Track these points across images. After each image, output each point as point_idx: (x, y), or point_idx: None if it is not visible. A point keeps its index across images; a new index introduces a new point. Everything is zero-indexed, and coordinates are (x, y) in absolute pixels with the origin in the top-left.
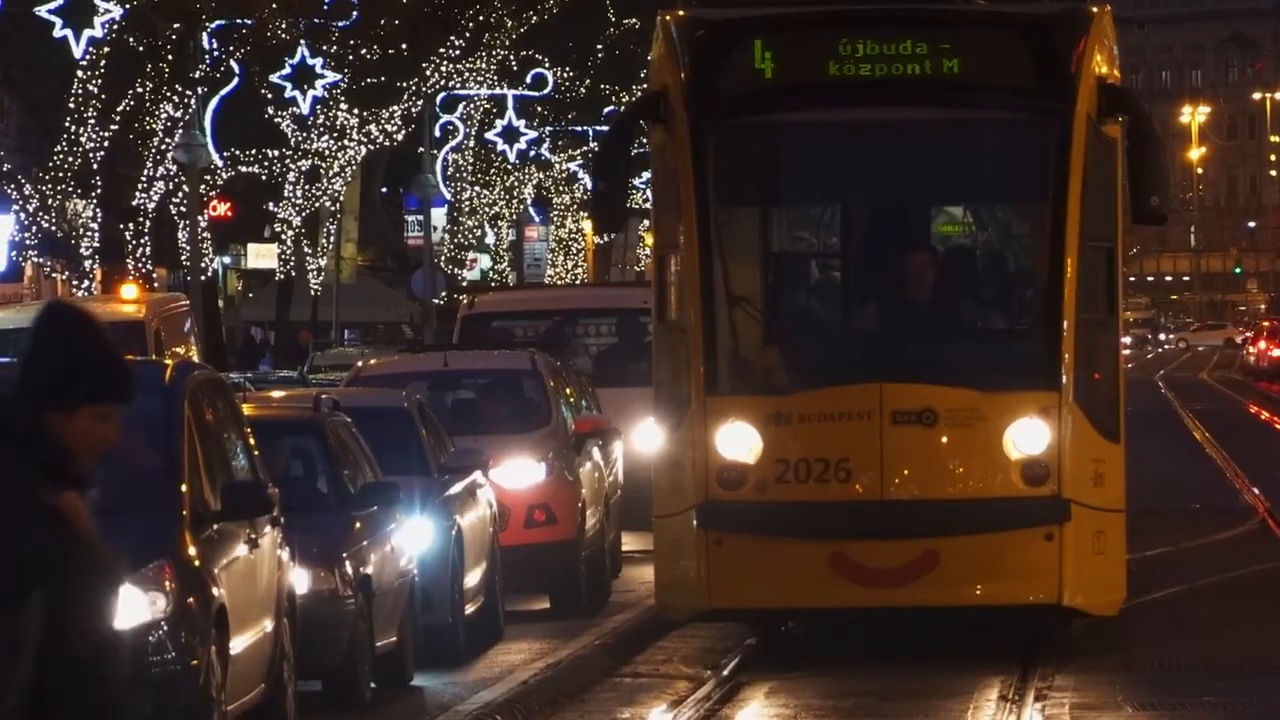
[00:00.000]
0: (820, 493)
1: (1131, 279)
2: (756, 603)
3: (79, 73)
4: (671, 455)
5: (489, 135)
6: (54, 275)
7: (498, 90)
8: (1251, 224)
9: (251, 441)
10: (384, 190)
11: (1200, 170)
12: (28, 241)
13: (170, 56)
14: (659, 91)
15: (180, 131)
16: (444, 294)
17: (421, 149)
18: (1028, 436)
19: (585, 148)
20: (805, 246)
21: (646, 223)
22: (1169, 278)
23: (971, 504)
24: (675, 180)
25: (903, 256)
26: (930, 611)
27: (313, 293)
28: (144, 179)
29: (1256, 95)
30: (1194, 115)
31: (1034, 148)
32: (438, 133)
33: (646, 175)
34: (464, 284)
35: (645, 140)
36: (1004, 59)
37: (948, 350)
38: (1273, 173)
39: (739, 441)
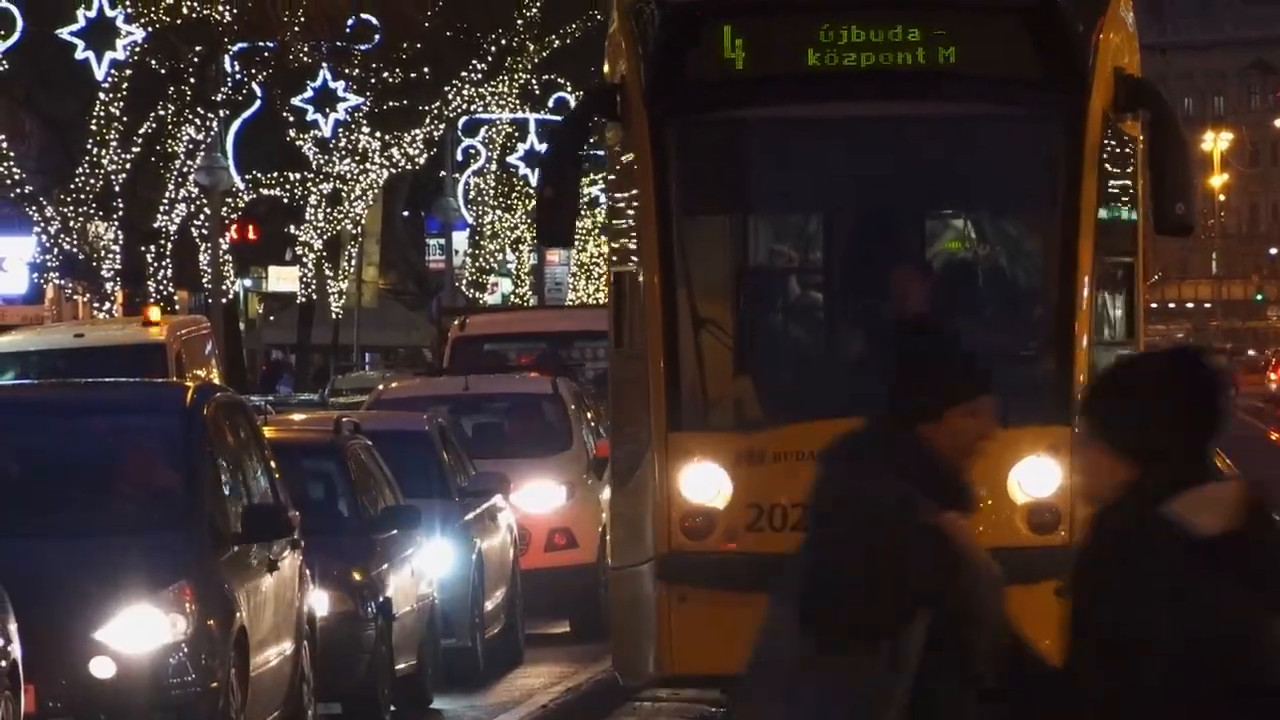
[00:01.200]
0: (798, 542)
1: (1153, 305)
2: (724, 668)
3: (101, 95)
4: (629, 500)
5: (511, 159)
6: (75, 297)
7: (520, 114)
8: (1273, 250)
9: (272, 464)
10: (405, 213)
11: (1222, 197)
12: (49, 263)
13: (192, 79)
14: (615, 84)
15: (202, 154)
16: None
17: (443, 173)
18: (1035, 477)
19: (604, 172)
20: (783, 261)
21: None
22: (1190, 304)
23: None
24: (633, 186)
25: (893, 273)
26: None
27: (334, 316)
28: (165, 201)
29: (1278, 122)
30: (1216, 142)
31: (1042, 147)
32: (460, 156)
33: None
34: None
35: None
36: (1007, 46)
37: None
38: None
39: (706, 484)
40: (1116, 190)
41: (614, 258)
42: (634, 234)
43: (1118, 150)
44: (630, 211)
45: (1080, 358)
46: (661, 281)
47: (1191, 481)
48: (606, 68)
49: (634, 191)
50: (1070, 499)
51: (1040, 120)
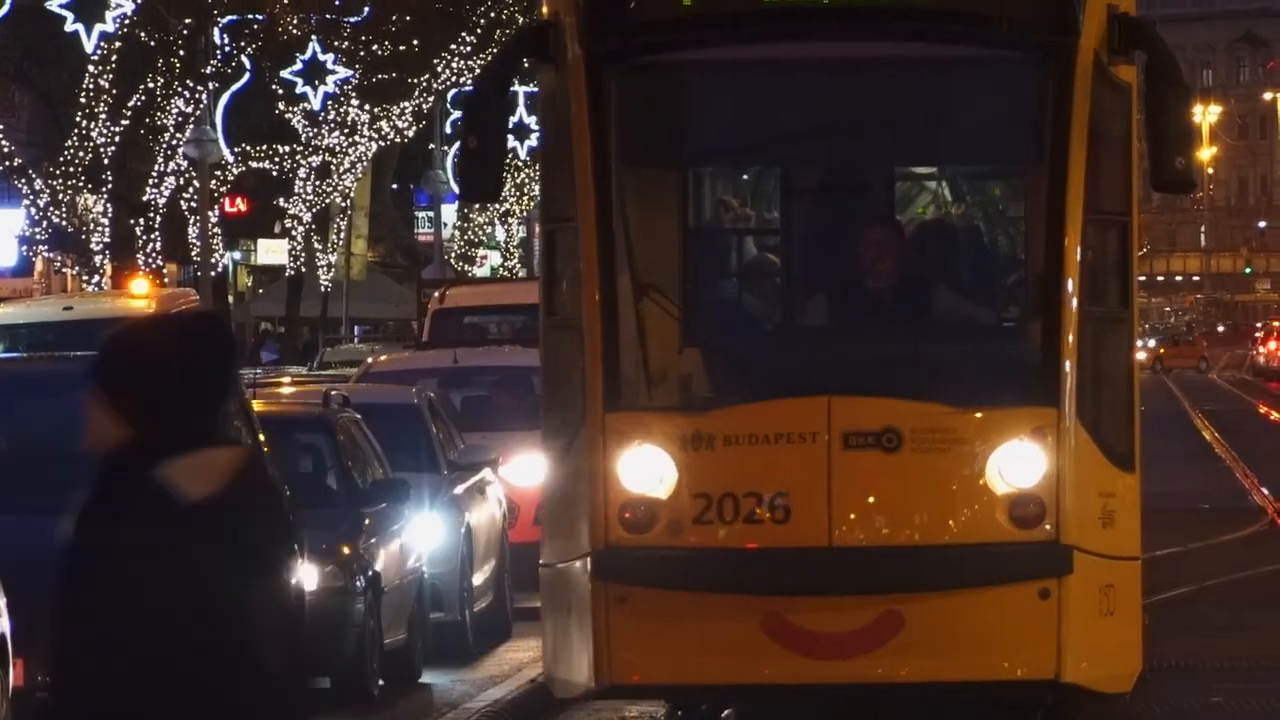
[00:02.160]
0: (751, 537)
1: (1142, 278)
2: (669, 677)
3: (90, 67)
4: (562, 488)
5: None
6: (64, 270)
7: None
8: (1262, 224)
9: (261, 437)
10: (395, 186)
11: (1211, 170)
12: (38, 236)
13: (181, 51)
14: (548, 22)
15: (191, 127)
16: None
17: (432, 145)
18: (1018, 464)
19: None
20: (735, 221)
21: None
22: (1179, 277)
23: (945, 552)
24: (567, 135)
25: (859, 234)
26: (892, 690)
27: (323, 289)
28: (155, 174)
29: (1268, 95)
30: (1205, 115)
31: (1026, 94)
32: (448, 129)
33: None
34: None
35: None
36: None
37: (916, 354)
38: None
39: (648, 471)
40: (1108, 142)
41: (547, 214)
42: (569, 189)
43: (1110, 98)
44: (564, 163)
45: (1068, 329)
46: (598, 241)
47: (189, 446)
48: (540, 2)
49: (568, 141)
50: (1057, 488)
51: (1024, 63)
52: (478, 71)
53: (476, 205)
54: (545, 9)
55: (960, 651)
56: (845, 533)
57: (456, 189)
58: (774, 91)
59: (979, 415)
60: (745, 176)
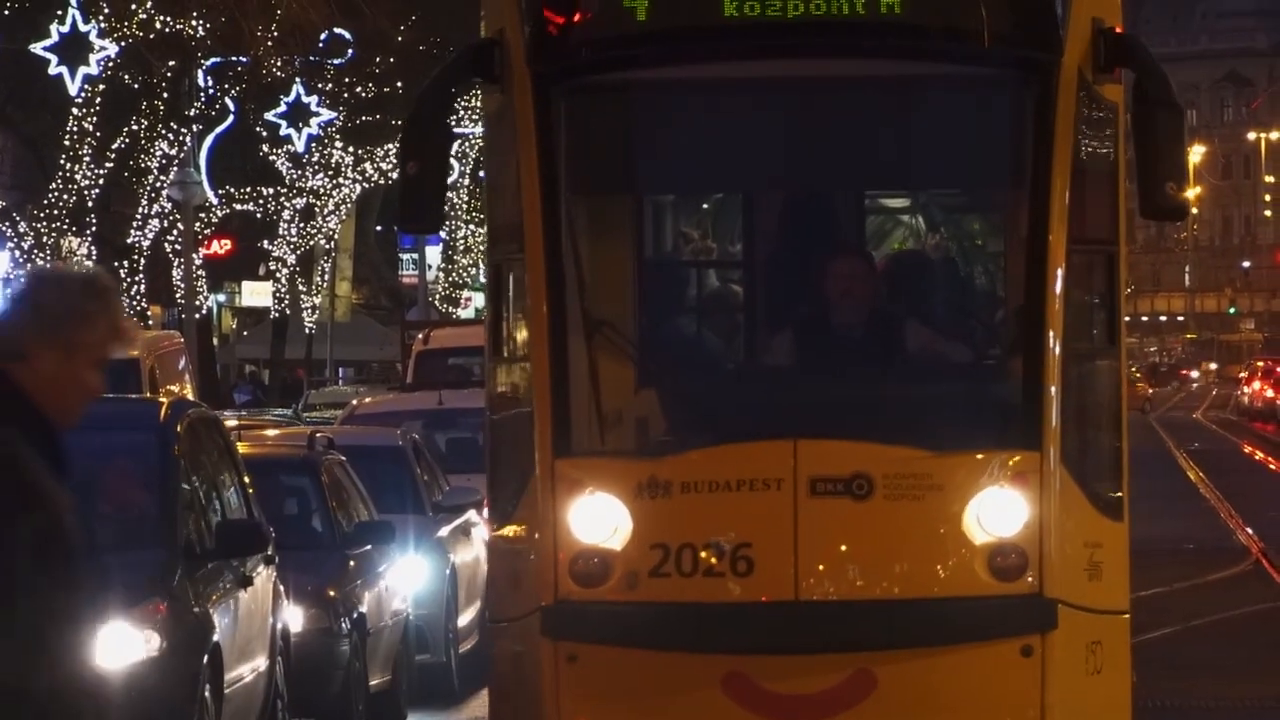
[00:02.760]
0: (711, 591)
1: (1126, 318)
2: None
3: (74, 110)
4: (509, 540)
5: (483, 173)
6: None
7: None
8: (1246, 264)
9: (246, 480)
10: (379, 228)
11: (1195, 210)
12: (22, 279)
13: (165, 94)
14: (492, 39)
15: (175, 169)
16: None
17: None
18: (998, 512)
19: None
20: (695, 252)
21: None
22: (1163, 317)
23: (920, 606)
24: (514, 161)
25: (827, 267)
26: None
27: (307, 330)
28: (139, 216)
29: (1251, 135)
30: (1189, 155)
31: (1005, 115)
32: None
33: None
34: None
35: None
36: None
37: (888, 395)
38: (1267, 213)
39: (601, 520)
40: (1094, 167)
41: (493, 246)
42: (516, 218)
43: (1096, 119)
44: (511, 191)
45: (1051, 368)
46: (547, 274)
47: None
48: (484, 18)
49: (515, 167)
50: (1040, 538)
51: (1002, 82)
52: (418, 92)
53: (460, 247)
54: (489, 25)
55: (937, 713)
56: (813, 586)
57: (398, 220)
58: (735, 113)
59: (956, 460)
60: (705, 205)
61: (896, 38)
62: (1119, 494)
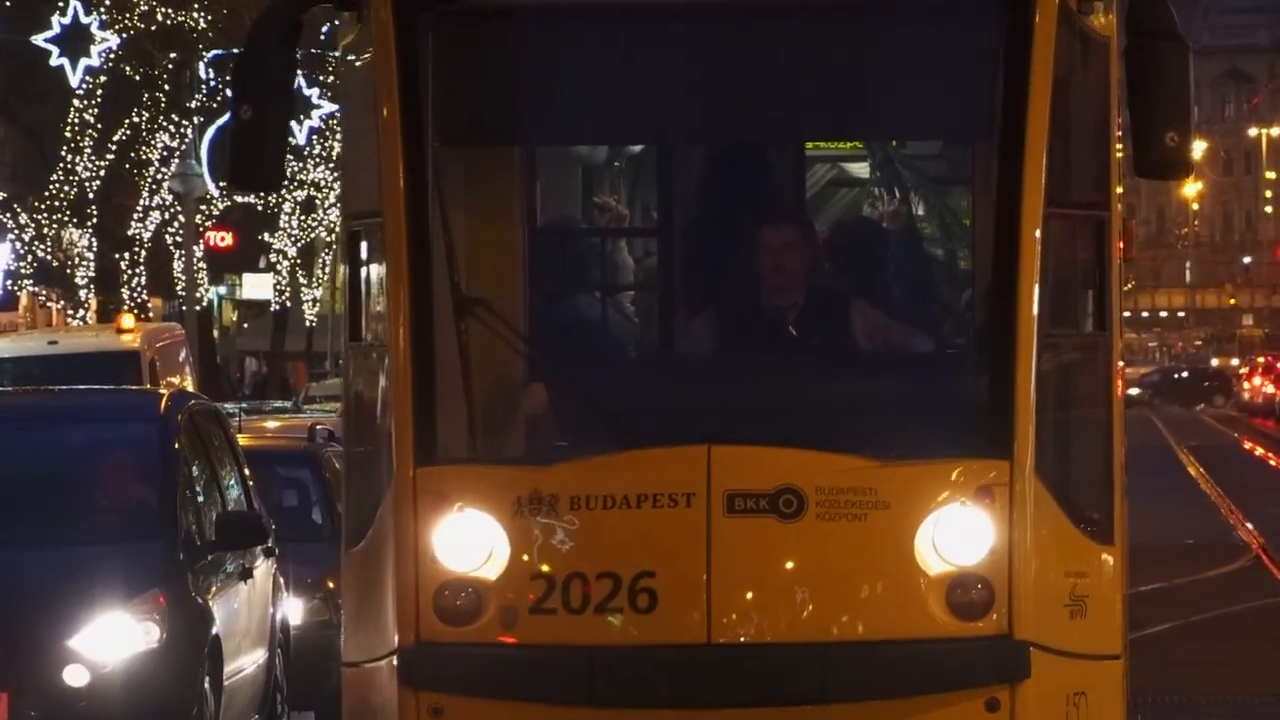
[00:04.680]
0: (605, 631)
1: (1126, 314)
2: None
3: (75, 101)
4: (363, 566)
5: None
6: (49, 304)
7: None
8: (1247, 259)
9: (247, 471)
10: None
11: (1196, 206)
12: (23, 270)
13: (167, 86)
14: None
15: (176, 161)
16: None
17: None
18: (957, 535)
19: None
20: (594, 215)
21: None
22: (1164, 313)
23: (862, 651)
24: (373, 105)
25: (756, 236)
26: None
27: (308, 323)
28: (140, 208)
29: (1253, 131)
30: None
31: (969, 50)
32: None
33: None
34: None
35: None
36: None
37: (826, 390)
38: (1268, 209)
39: (471, 543)
40: (1079, 113)
41: (348, 209)
42: (375, 176)
43: (1081, 55)
44: (369, 142)
45: (1025, 358)
46: (410, 243)
47: None
48: None
49: (373, 114)
50: (1010, 567)
51: (965, 8)
52: (254, 21)
53: None
54: None
55: None
56: (729, 626)
57: (227, 176)
58: (642, 48)
59: (907, 470)
60: (609, 160)
61: None
62: (1109, 510)
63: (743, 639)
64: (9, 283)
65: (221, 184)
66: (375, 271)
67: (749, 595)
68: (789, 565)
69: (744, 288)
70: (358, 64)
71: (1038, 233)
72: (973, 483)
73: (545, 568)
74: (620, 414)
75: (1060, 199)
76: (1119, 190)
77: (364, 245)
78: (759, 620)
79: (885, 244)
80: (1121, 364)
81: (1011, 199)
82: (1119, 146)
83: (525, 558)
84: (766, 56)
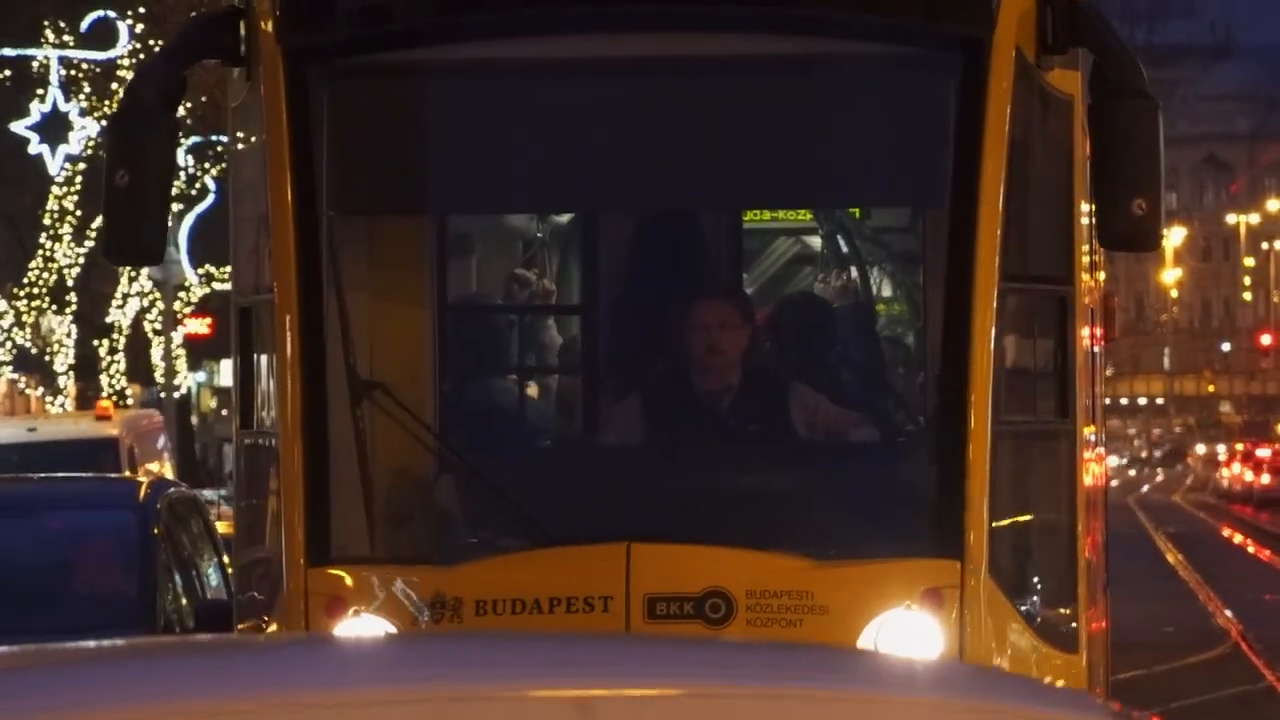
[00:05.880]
0: None
1: (1106, 401)
2: None
3: (54, 189)
4: None
5: None
6: (28, 391)
7: None
8: (1225, 346)
9: (225, 559)
10: None
11: (1175, 293)
12: (2, 357)
13: None
14: (236, 6)
15: None
16: None
17: None
18: (903, 643)
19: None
20: (507, 292)
21: None
22: (1142, 400)
23: None
24: (263, 170)
25: (686, 312)
26: None
27: None
28: (119, 295)
29: (1231, 218)
30: (1169, 237)
31: (917, 110)
32: None
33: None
34: None
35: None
36: None
37: (759, 483)
38: (1246, 295)
39: None
40: (1038, 179)
41: (239, 284)
42: (265, 247)
43: (1041, 115)
44: (259, 210)
45: (978, 448)
46: (302, 321)
47: None
48: None
49: (265, 179)
50: None
51: (914, 66)
52: (133, 77)
53: None
54: None
55: None
56: None
57: (104, 249)
58: (562, 108)
59: (847, 571)
60: (524, 229)
61: (774, 7)
62: (1073, 614)
63: None
64: None
65: (200, 271)
66: (266, 353)
67: None
68: None
69: (673, 370)
70: (246, 122)
71: (992, 309)
72: (920, 585)
73: None
74: (532, 508)
75: (1018, 273)
76: (1085, 263)
77: (254, 324)
78: None
79: (828, 322)
80: (1101, 451)
81: (963, 272)
82: (1085, 216)
83: None
84: (698, 117)
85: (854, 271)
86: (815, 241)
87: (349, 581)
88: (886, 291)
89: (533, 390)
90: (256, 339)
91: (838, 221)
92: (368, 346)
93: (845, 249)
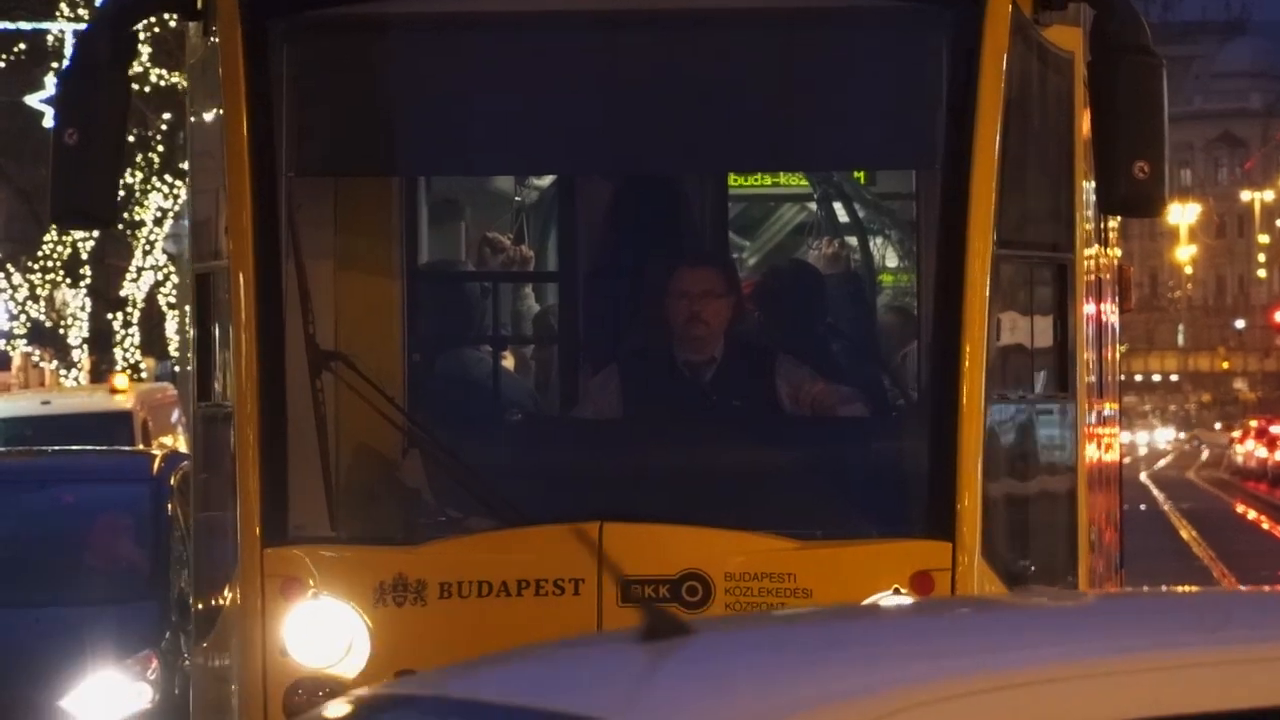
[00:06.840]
0: None
1: (1120, 377)
2: None
3: None
4: (208, 659)
5: None
6: (42, 364)
7: None
8: (1240, 323)
9: None
10: None
11: (1189, 270)
12: (16, 330)
13: (160, 147)
14: None
15: (170, 222)
16: None
17: None
18: None
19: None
20: (478, 258)
21: None
22: (1156, 377)
23: None
24: (220, 129)
25: (667, 279)
26: None
27: None
28: (133, 269)
29: (1245, 195)
30: (1183, 214)
31: (907, 67)
32: None
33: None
34: None
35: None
36: None
37: (740, 459)
38: (1260, 272)
39: (327, 634)
40: (1036, 140)
41: (196, 250)
42: (222, 209)
43: (1038, 74)
44: (216, 173)
45: (969, 423)
46: (258, 289)
47: None
48: None
49: (222, 139)
50: None
51: (904, 21)
52: (81, 32)
53: None
54: None
55: None
56: None
57: (51, 211)
58: (535, 63)
59: (832, 552)
60: (495, 191)
61: None
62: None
63: None
64: (2, 343)
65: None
66: (222, 321)
67: None
68: None
69: (653, 341)
70: (202, 81)
71: (986, 277)
72: (909, 567)
73: (411, 664)
74: (500, 486)
75: (1014, 239)
76: (1090, 230)
77: (211, 291)
78: None
79: (816, 291)
80: (1116, 430)
81: (956, 238)
82: (1087, 180)
83: (388, 653)
84: (680, 74)
85: (843, 238)
86: (803, 207)
87: (307, 561)
88: (877, 259)
89: (505, 361)
90: (213, 307)
91: (827, 185)
92: (331, 314)
93: (834, 215)
